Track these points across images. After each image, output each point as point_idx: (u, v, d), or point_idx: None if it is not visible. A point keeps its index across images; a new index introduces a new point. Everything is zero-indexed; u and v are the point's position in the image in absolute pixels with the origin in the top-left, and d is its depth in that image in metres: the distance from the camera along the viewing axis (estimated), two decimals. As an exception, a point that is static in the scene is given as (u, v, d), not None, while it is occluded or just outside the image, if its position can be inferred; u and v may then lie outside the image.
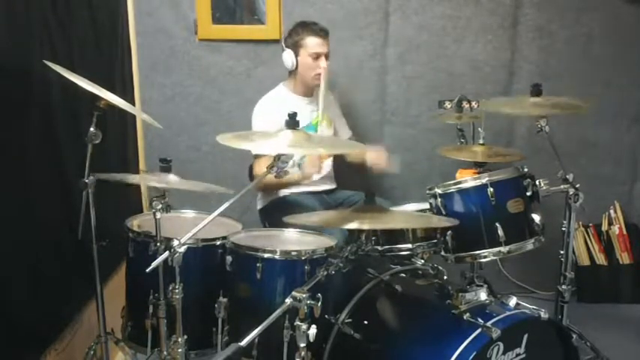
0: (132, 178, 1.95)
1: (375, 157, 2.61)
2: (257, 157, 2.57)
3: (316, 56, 2.56)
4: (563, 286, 2.28)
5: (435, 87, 3.12)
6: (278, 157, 1.67)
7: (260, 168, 2.53)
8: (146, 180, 1.90)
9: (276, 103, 2.60)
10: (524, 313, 1.82)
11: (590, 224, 3.20)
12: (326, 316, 1.90)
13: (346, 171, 2.89)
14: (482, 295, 1.88)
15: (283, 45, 2.62)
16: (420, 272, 2.16)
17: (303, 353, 1.59)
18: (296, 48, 2.57)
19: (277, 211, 2.49)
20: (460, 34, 3.09)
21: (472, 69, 3.11)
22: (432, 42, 3.09)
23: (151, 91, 3.10)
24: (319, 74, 2.58)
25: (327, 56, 2.59)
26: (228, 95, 3.12)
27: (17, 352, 1.75)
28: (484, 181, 1.99)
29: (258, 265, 1.86)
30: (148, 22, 3.03)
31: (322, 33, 2.57)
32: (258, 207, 2.73)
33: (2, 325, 1.67)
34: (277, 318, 1.53)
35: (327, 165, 2.77)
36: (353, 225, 1.71)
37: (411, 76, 3.13)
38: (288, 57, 2.59)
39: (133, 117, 2.93)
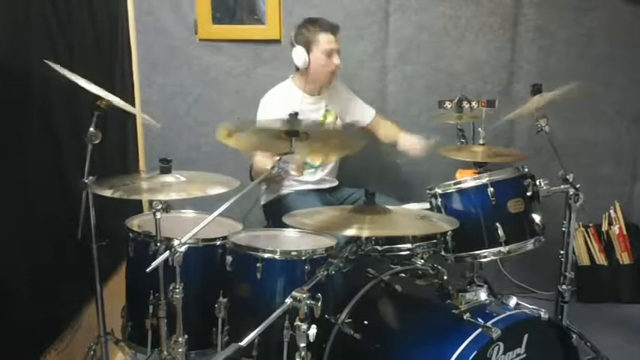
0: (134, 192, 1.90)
1: (409, 143, 2.66)
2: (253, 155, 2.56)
3: (329, 53, 2.54)
4: (563, 286, 2.28)
5: (435, 87, 3.12)
6: (279, 158, 1.68)
7: (259, 163, 2.50)
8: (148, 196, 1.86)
9: (280, 97, 2.61)
10: (524, 313, 1.82)
11: (590, 224, 3.19)
12: (326, 316, 1.90)
13: (348, 167, 2.90)
14: (483, 295, 1.88)
15: (293, 41, 2.57)
16: (420, 272, 2.15)
17: (303, 353, 1.59)
18: (308, 45, 2.53)
19: (280, 209, 2.49)
20: (460, 34, 3.09)
21: (472, 69, 3.11)
22: (432, 42, 3.09)
23: (151, 91, 3.10)
24: (332, 71, 2.58)
25: (338, 52, 2.58)
26: (228, 95, 3.12)
27: (17, 352, 1.75)
28: (484, 181, 1.99)
29: (258, 265, 1.86)
30: (148, 22, 3.03)
31: (334, 29, 2.55)
32: (262, 202, 2.74)
33: (2, 325, 1.67)
34: (277, 318, 1.53)
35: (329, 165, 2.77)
36: (352, 231, 1.69)
37: (411, 76, 3.13)
38: (300, 54, 2.53)
39: (133, 117, 2.93)
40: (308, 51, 2.53)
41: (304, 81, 2.63)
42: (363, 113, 2.85)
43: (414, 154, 2.66)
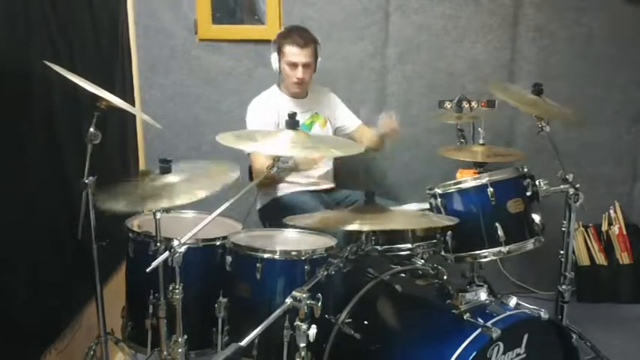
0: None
1: (387, 125, 2.59)
2: (251, 154, 2.58)
3: (292, 65, 2.55)
4: (563, 286, 2.28)
5: (435, 87, 3.12)
6: (278, 158, 1.68)
7: (257, 162, 2.53)
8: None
9: (267, 104, 2.64)
10: (524, 313, 1.82)
11: (590, 224, 3.19)
12: (326, 316, 1.90)
13: (345, 170, 2.90)
14: (483, 295, 1.88)
15: (272, 47, 2.63)
16: (420, 272, 2.16)
17: (303, 353, 1.59)
18: (278, 53, 2.59)
19: (276, 211, 2.49)
20: (460, 34, 3.09)
21: (472, 69, 3.11)
22: (432, 42, 3.09)
23: (151, 91, 3.10)
24: (295, 83, 2.59)
25: (308, 65, 2.56)
26: (228, 95, 3.12)
27: (17, 352, 1.75)
28: (484, 181, 1.99)
29: (258, 265, 1.86)
30: (148, 22, 3.03)
31: (301, 42, 2.53)
32: (257, 207, 2.73)
33: (2, 325, 1.67)
34: (277, 318, 1.53)
35: (327, 164, 2.77)
36: (353, 226, 1.71)
37: (411, 76, 3.13)
38: (273, 60, 2.61)
39: (133, 117, 2.93)
40: (279, 59, 2.60)
41: (284, 86, 2.69)
42: (350, 120, 2.85)
43: (393, 132, 2.60)
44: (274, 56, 2.60)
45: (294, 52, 2.53)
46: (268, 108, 2.60)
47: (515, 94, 2.40)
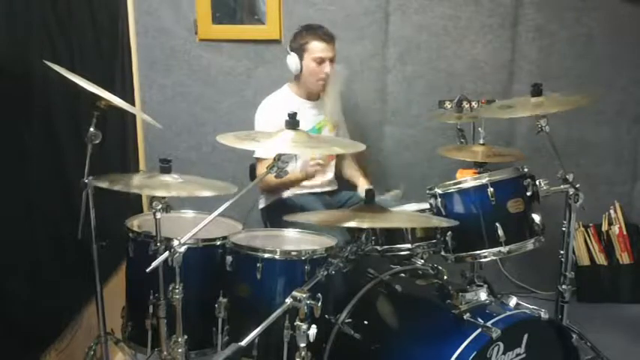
0: (132, 186, 1.90)
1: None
2: (259, 160, 2.57)
3: (320, 61, 2.55)
4: (563, 286, 2.28)
5: (435, 87, 3.12)
6: (278, 158, 1.68)
7: (263, 169, 2.53)
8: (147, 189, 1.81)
9: (279, 105, 2.60)
10: (524, 313, 1.82)
11: (590, 224, 3.19)
12: (326, 316, 1.90)
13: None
14: (483, 295, 1.88)
15: (288, 49, 2.61)
16: (420, 272, 2.16)
17: (303, 353, 1.59)
18: (300, 52, 2.56)
19: (279, 212, 2.48)
20: (460, 34, 3.09)
21: (472, 69, 3.11)
22: (432, 42, 3.09)
23: (151, 91, 3.10)
24: (322, 79, 2.58)
25: (332, 60, 2.58)
26: (228, 95, 3.12)
27: (17, 352, 1.75)
28: (484, 181, 1.99)
29: (258, 265, 1.86)
30: (148, 22, 3.03)
31: (327, 37, 2.55)
32: (260, 206, 2.73)
33: (2, 325, 1.67)
34: (277, 318, 1.53)
35: (331, 167, 2.77)
36: (352, 224, 1.71)
37: (411, 76, 3.13)
38: (292, 61, 2.57)
39: (133, 117, 2.93)
40: (300, 58, 2.56)
41: (298, 87, 2.66)
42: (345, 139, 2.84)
43: None
44: (293, 57, 2.56)
45: (322, 47, 2.54)
46: (280, 109, 2.53)
47: (519, 106, 2.37)
